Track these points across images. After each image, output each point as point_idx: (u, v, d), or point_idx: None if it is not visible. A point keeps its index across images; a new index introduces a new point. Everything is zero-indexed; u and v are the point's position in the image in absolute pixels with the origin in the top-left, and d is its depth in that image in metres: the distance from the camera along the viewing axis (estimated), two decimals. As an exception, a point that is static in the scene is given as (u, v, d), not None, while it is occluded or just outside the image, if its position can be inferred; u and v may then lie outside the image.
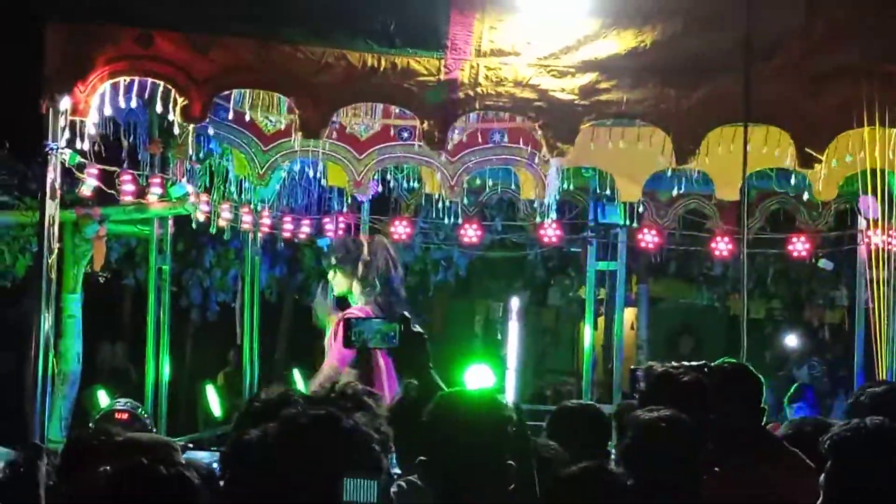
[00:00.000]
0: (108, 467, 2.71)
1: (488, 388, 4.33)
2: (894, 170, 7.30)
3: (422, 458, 3.67)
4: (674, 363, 5.38)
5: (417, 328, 4.81)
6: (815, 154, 7.08)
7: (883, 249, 7.65)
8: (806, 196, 8.90)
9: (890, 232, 8.07)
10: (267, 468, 2.91)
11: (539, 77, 7.24)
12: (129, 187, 8.46)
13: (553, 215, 10.13)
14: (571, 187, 10.20)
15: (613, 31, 7.21)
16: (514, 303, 17.65)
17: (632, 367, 6.68)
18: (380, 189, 10.48)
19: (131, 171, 8.51)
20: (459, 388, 4.46)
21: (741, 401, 5.22)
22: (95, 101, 6.97)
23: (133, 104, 7.38)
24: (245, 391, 10.46)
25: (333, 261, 9.10)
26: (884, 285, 7.53)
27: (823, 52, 7.21)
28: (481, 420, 3.72)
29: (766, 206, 11.31)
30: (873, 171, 7.29)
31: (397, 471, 4.59)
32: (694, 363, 5.37)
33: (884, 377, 7.66)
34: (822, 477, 3.84)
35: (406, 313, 4.86)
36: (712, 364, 5.54)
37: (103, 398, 9.07)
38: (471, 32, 7.24)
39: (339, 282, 9.05)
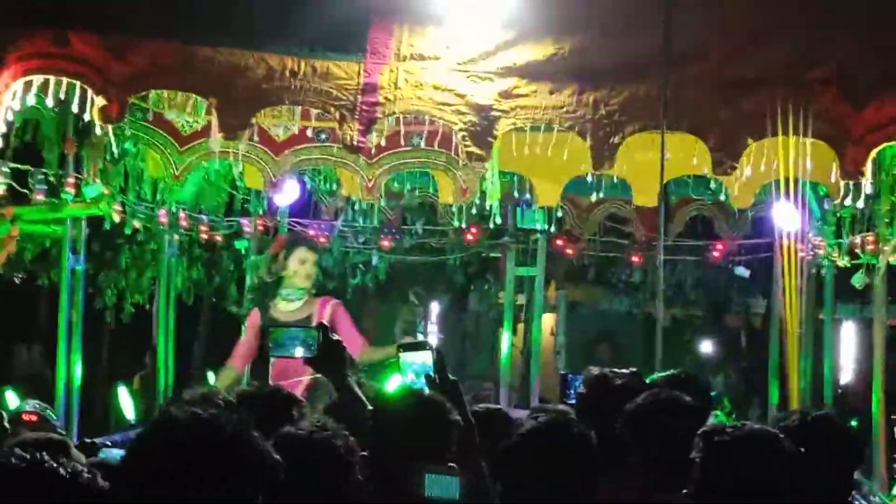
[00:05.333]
0: None
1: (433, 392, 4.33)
2: (807, 178, 7.37)
3: (363, 452, 3.89)
4: (610, 369, 5.41)
5: (336, 336, 4.79)
6: (730, 161, 7.14)
7: (797, 258, 7.72)
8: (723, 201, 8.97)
9: (805, 241, 8.16)
10: (148, 471, 2.85)
11: (458, 81, 7.26)
12: (42, 186, 8.35)
13: (498, 217, 9.88)
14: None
15: (532, 37, 7.24)
16: (434, 308, 17.68)
17: (562, 371, 6.73)
18: (297, 194, 10.44)
19: (45, 170, 8.40)
20: (405, 389, 4.47)
21: None
22: (8, 98, 6.87)
23: (49, 103, 7.25)
24: (159, 394, 10.36)
25: None
26: (797, 293, 7.60)
27: (740, 60, 7.28)
28: (426, 424, 3.83)
29: (684, 212, 11.41)
30: (787, 180, 7.34)
31: None
32: (626, 371, 5.40)
33: (796, 385, 7.73)
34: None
35: (325, 321, 4.84)
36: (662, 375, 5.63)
37: (12, 400, 8.94)
38: (391, 37, 7.25)
39: None
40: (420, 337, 15.80)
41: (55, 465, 2.63)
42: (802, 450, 4.00)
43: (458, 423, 4.02)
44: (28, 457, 2.62)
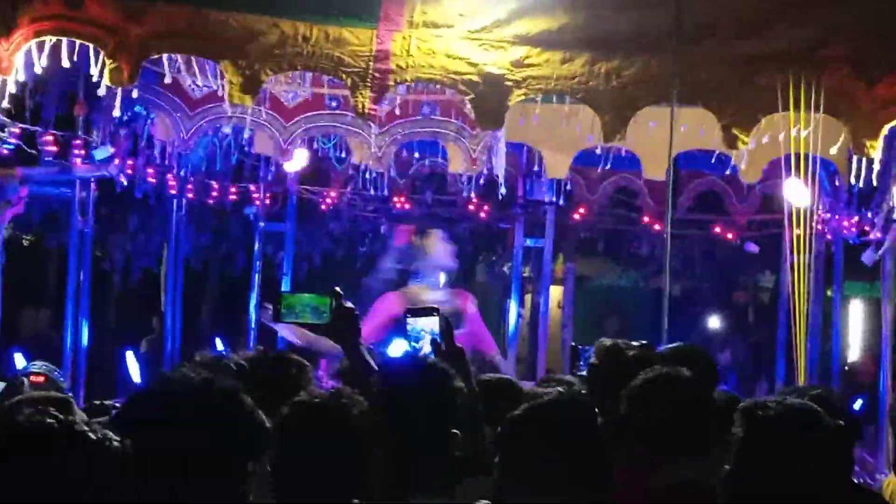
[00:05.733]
0: None
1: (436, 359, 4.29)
2: (817, 153, 7.33)
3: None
4: (623, 341, 5.41)
5: (349, 304, 4.74)
6: (740, 135, 7.12)
7: (806, 234, 7.70)
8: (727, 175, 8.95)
9: (814, 217, 8.12)
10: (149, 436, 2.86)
11: (471, 50, 7.22)
12: (51, 148, 8.34)
13: (510, 187, 9.79)
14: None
15: (545, 6, 7.20)
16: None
17: (573, 343, 6.72)
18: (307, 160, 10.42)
19: (54, 131, 8.38)
20: (409, 356, 4.47)
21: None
22: (19, 59, 6.84)
23: (63, 64, 7.22)
24: (166, 359, 10.37)
25: None
26: (805, 269, 7.58)
27: (753, 36, 7.24)
28: (429, 391, 3.80)
29: (693, 187, 11.38)
30: (798, 155, 7.32)
31: None
32: (639, 342, 5.41)
33: (803, 361, 7.72)
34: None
35: (338, 287, 4.79)
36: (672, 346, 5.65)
37: (19, 361, 8.94)
38: (404, 4, 7.21)
39: None
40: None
41: (84, 427, 2.65)
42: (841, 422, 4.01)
43: (461, 390, 3.99)
44: (60, 417, 2.63)
